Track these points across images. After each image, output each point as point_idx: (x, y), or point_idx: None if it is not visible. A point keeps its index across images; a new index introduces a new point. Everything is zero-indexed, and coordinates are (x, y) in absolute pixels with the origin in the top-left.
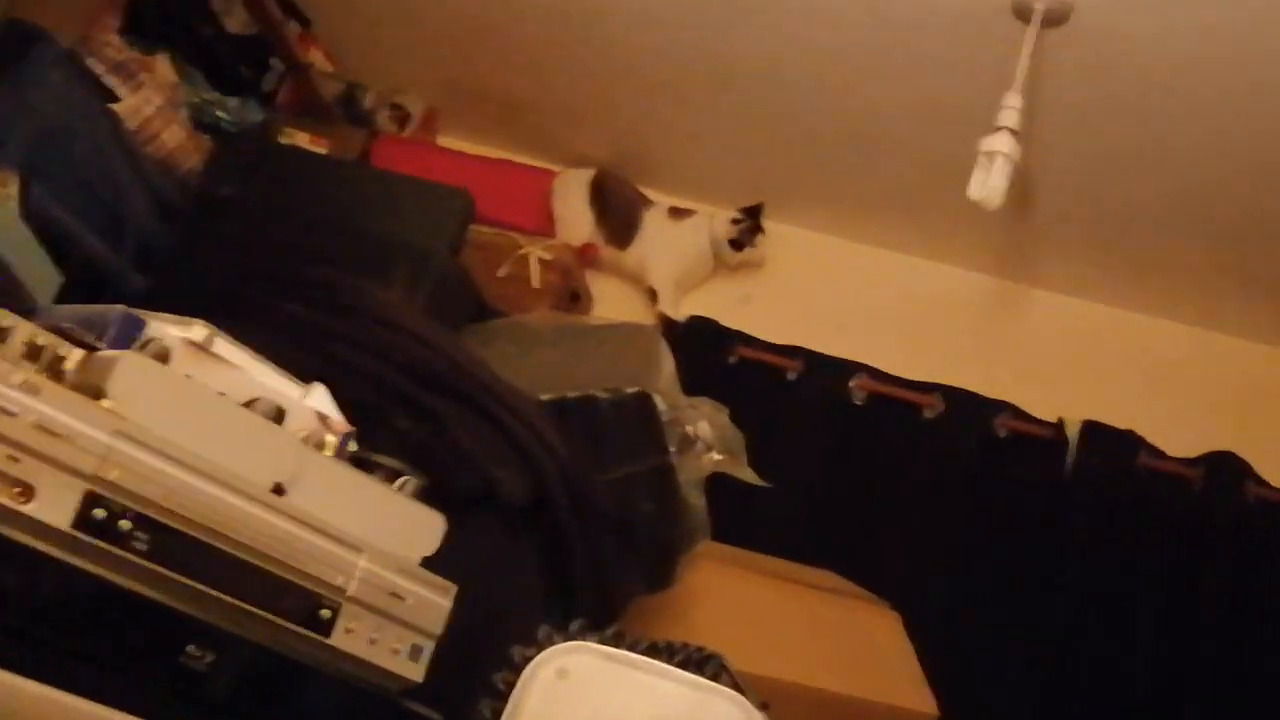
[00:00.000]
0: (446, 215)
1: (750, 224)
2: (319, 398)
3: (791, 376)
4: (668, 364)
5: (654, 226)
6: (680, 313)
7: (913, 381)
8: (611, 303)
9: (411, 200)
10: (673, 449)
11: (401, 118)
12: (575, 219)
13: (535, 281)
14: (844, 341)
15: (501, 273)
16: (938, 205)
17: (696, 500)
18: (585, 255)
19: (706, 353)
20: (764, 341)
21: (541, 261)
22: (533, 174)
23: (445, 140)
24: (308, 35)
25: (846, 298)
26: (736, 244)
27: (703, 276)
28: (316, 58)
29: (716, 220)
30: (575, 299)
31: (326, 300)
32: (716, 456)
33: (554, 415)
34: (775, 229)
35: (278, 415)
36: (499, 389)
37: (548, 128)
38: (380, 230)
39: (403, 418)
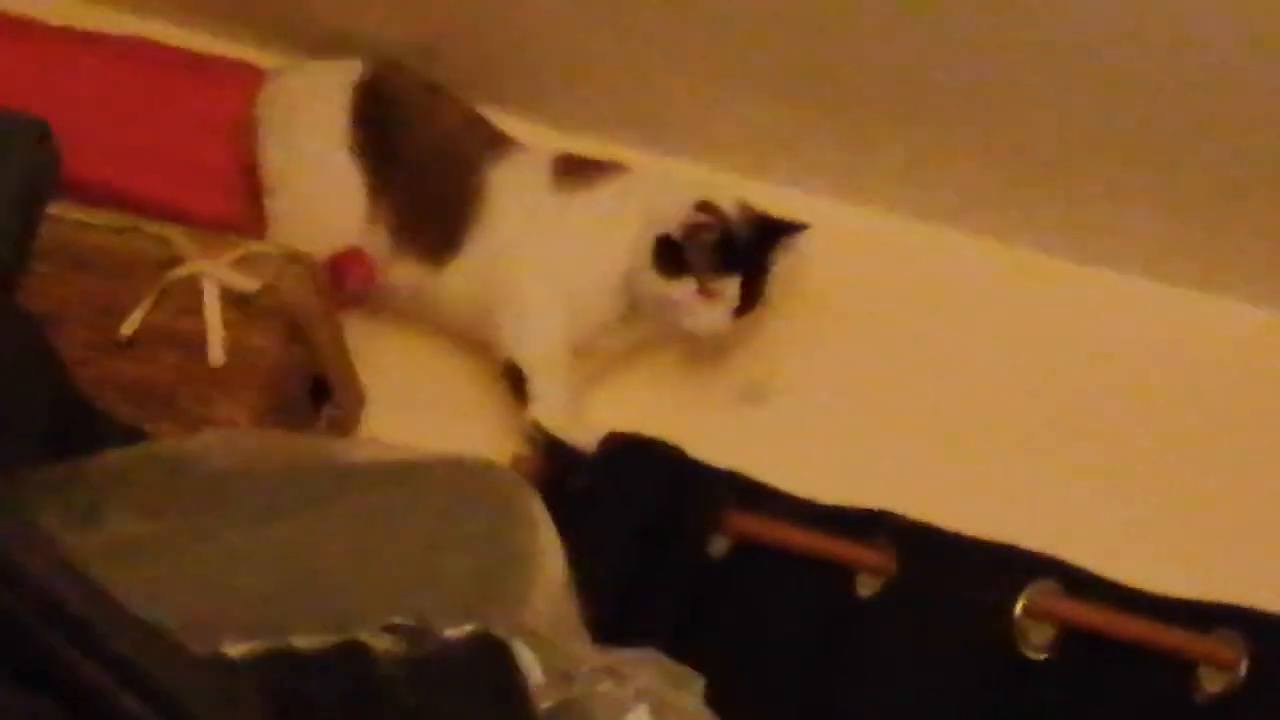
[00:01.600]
0: None
1: (759, 223)
2: None
3: (868, 591)
4: (551, 560)
5: (517, 205)
6: (583, 429)
7: (1170, 600)
8: (409, 401)
9: None
10: None
11: None
12: (319, 187)
13: (216, 351)
14: (999, 503)
15: (128, 327)
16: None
17: None
18: (344, 278)
19: (652, 529)
20: (801, 500)
21: (234, 296)
22: (210, 73)
23: None
24: None
25: (1001, 384)
26: (700, 255)
27: (638, 333)
28: None
29: (660, 191)
30: (320, 392)
31: None
32: None
33: (262, 694)
34: (821, 209)
35: None
36: (110, 634)
37: None
38: None
39: None
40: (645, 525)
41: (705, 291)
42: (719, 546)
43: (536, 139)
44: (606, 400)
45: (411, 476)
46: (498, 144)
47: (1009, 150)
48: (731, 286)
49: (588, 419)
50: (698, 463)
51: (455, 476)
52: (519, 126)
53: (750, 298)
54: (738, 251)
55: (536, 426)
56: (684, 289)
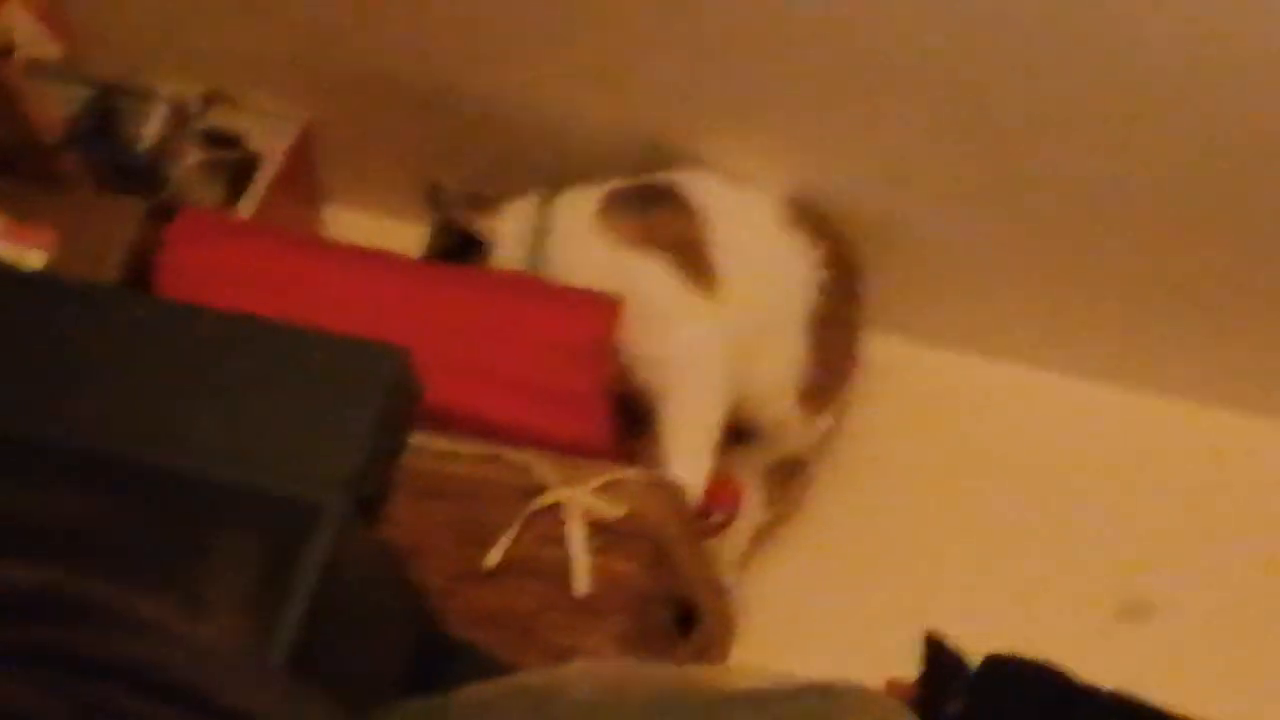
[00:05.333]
0: (349, 415)
1: None
2: None
3: None
4: None
5: None
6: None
7: None
8: (778, 626)
9: (259, 376)
10: None
11: (235, 164)
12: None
13: (581, 580)
14: None
15: (493, 558)
16: None
17: None
18: (711, 504)
19: None
20: None
21: (597, 523)
22: (568, 299)
23: (346, 216)
24: None
25: None
26: None
27: None
28: (20, 19)
29: None
30: (686, 619)
31: (45, 641)
32: None
33: None
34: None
35: None
36: None
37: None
38: (177, 459)
39: None
40: None
41: None
42: None
43: None
44: (980, 620)
45: (781, 704)
46: None
47: None
48: None
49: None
50: (1081, 685)
51: (826, 704)
52: None
53: None
54: None
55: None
56: None
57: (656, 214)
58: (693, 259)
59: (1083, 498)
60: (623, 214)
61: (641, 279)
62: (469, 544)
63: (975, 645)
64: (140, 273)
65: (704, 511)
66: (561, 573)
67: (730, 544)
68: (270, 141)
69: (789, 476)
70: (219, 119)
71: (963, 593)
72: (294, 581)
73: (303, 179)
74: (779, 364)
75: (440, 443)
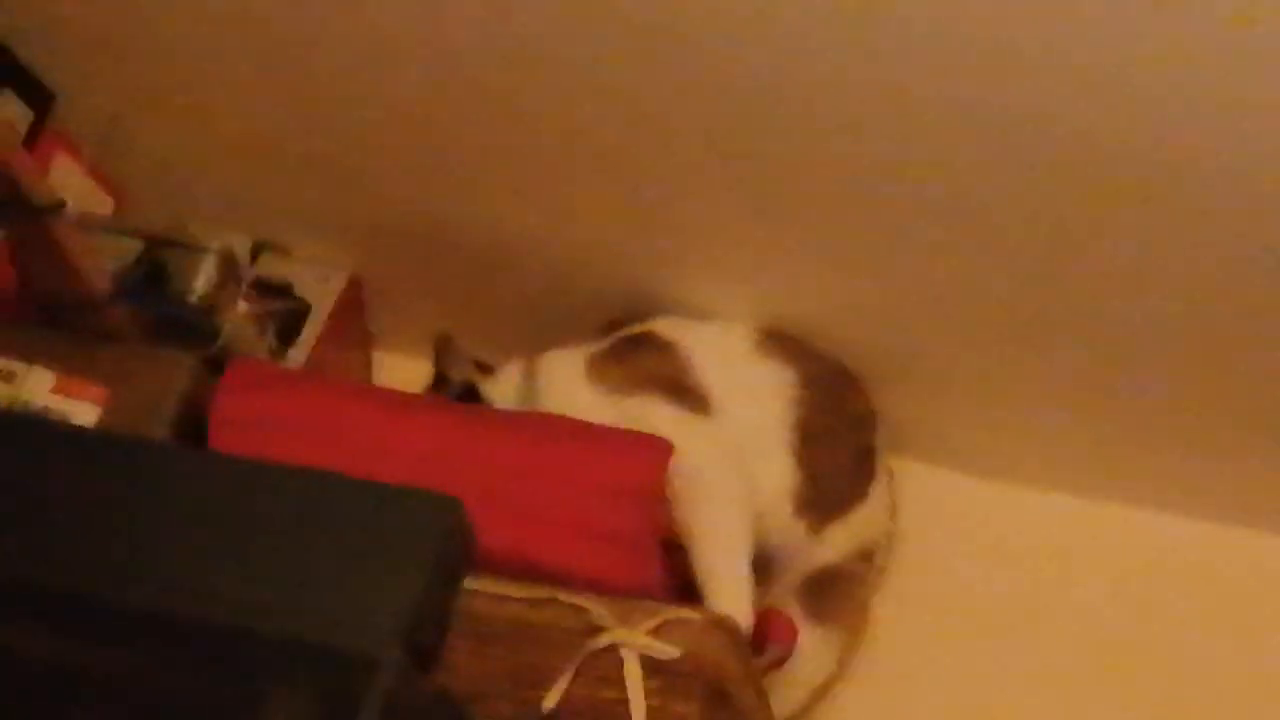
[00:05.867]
0: (402, 566)
1: None
2: None
3: None
4: None
5: None
6: None
7: None
8: None
9: (312, 527)
10: None
11: (286, 313)
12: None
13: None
14: None
15: (550, 700)
16: None
17: None
18: (766, 639)
19: None
20: None
21: (654, 664)
22: (617, 443)
23: (396, 361)
24: (49, 129)
25: None
26: None
27: None
28: (69, 176)
29: None
30: None
31: None
32: None
33: None
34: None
35: None
36: None
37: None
38: (231, 614)
39: None
40: None
41: None
42: None
43: None
44: None
45: None
46: None
47: None
48: None
49: None
50: None
51: None
52: None
53: None
54: None
55: None
56: None
57: (638, 359)
58: (683, 389)
59: (1142, 632)
60: (607, 367)
61: (639, 419)
62: (526, 687)
63: None
64: (193, 425)
65: (758, 646)
66: (619, 715)
67: (802, 677)
68: (320, 289)
69: (826, 596)
70: (268, 269)
71: None
72: None
73: (353, 326)
74: (770, 480)
75: (495, 586)
